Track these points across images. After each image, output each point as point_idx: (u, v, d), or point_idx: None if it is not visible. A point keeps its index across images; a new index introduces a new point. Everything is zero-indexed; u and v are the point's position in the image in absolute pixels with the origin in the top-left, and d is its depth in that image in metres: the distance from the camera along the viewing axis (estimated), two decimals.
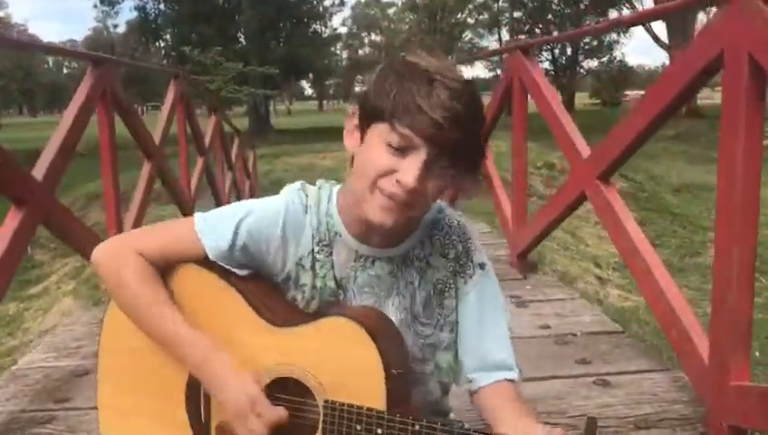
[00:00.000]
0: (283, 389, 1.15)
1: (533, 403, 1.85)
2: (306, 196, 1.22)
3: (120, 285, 1.18)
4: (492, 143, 4.10)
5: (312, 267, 1.20)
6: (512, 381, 1.22)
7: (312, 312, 1.21)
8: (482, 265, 1.23)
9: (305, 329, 1.14)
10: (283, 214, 1.18)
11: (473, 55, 41.51)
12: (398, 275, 1.21)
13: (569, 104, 28.54)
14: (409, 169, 1.04)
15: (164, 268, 1.20)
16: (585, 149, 2.43)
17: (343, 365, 1.10)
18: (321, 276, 1.20)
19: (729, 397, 1.54)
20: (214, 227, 1.18)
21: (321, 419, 1.10)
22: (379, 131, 1.07)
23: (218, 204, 5.63)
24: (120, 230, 3.07)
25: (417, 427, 1.05)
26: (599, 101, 38.20)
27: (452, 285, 1.22)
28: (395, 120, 1.05)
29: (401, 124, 1.04)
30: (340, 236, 1.20)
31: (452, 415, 1.35)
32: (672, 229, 6.76)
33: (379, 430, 1.07)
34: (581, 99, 34.64)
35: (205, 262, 1.18)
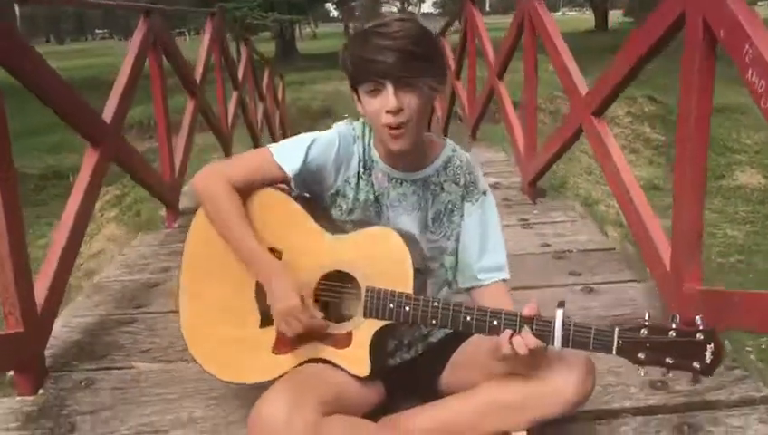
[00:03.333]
0: (335, 279, 1.54)
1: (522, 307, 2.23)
2: (354, 129, 1.61)
3: (212, 204, 1.56)
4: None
5: (357, 184, 1.59)
6: (503, 280, 1.62)
7: (358, 224, 1.59)
8: (485, 192, 1.63)
9: (354, 235, 1.53)
10: (337, 143, 1.57)
11: None
12: (419, 194, 1.60)
13: (602, 23, 27.83)
14: (388, 99, 1.40)
15: (247, 191, 1.57)
16: (583, 88, 2.72)
17: (381, 260, 1.49)
18: (363, 191, 1.59)
19: (682, 296, 1.90)
20: (288, 152, 1.55)
21: (364, 299, 1.49)
22: (361, 91, 1.47)
23: (252, 135, 5.99)
24: (171, 157, 3.48)
25: (436, 304, 1.44)
26: (632, 19, 37.25)
27: (459, 206, 1.62)
28: (361, 79, 1.44)
29: (365, 79, 1.43)
30: (377, 163, 1.59)
31: None
32: None
33: (407, 308, 1.46)
34: (615, 17, 33.84)
35: (278, 187, 1.57)
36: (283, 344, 1.54)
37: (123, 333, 2.21)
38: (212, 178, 1.58)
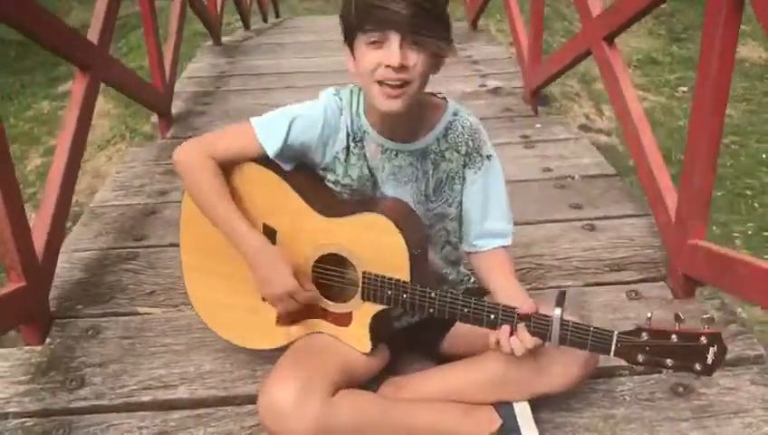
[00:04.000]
0: (328, 262, 1.52)
1: (528, 247, 2.24)
2: (341, 99, 1.51)
3: (193, 182, 1.51)
4: None
5: (347, 159, 1.52)
6: (505, 247, 1.60)
7: (351, 204, 1.55)
8: (489, 157, 1.56)
9: (348, 220, 1.48)
10: (323, 116, 1.49)
11: None
12: (416, 165, 1.54)
13: None
14: (391, 53, 1.30)
15: (230, 167, 1.52)
16: (596, 8, 2.58)
17: (377, 248, 1.46)
18: (356, 166, 1.53)
19: (685, 251, 1.90)
20: (270, 130, 1.48)
21: (361, 284, 1.48)
22: (359, 42, 1.35)
23: (243, 18, 5.72)
24: (161, 63, 3.35)
25: (432, 294, 1.44)
26: None
27: (461, 174, 1.56)
28: (365, 26, 1.32)
29: (368, 25, 1.31)
30: (368, 133, 1.51)
31: (462, 266, 1.74)
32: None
33: (405, 295, 1.45)
34: None
35: (263, 161, 1.50)
36: (286, 317, 1.55)
37: (125, 271, 2.21)
38: (193, 155, 1.51)
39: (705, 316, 1.28)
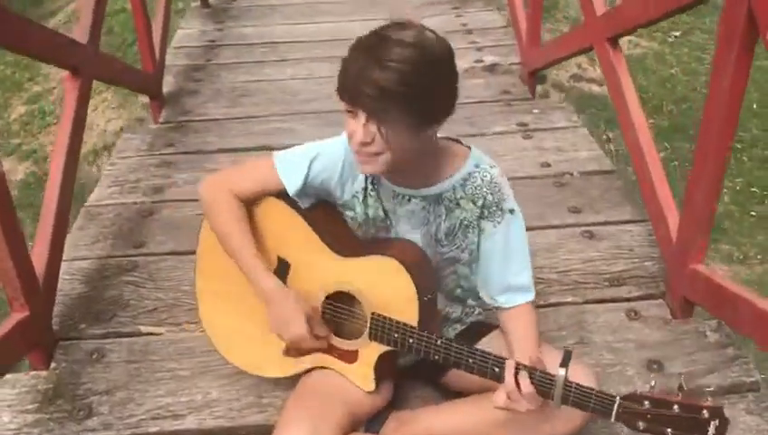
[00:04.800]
0: (338, 299, 1.55)
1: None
2: None
3: (217, 219, 1.55)
4: None
5: (365, 199, 1.54)
6: (529, 302, 1.58)
7: (366, 244, 1.57)
8: (511, 211, 1.54)
9: (361, 261, 1.50)
10: (343, 157, 1.49)
11: None
12: (428, 210, 1.54)
13: None
14: (356, 130, 1.30)
15: (252, 202, 1.56)
16: (600, 7, 2.51)
17: (388, 291, 1.48)
18: (373, 207, 1.54)
19: (686, 276, 1.92)
20: (291, 168, 1.50)
21: (369, 324, 1.50)
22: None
23: None
24: (152, 47, 3.26)
25: (438, 342, 1.45)
26: None
27: (476, 225, 1.54)
28: (340, 94, 1.31)
29: (343, 99, 1.31)
30: (380, 178, 1.51)
31: (471, 302, 1.74)
32: None
33: (411, 340, 1.47)
34: None
35: (283, 196, 1.54)
36: (294, 351, 1.58)
37: (126, 284, 2.20)
38: (217, 192, 1.55)
39: (708, 389, 1.30)
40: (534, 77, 3.43)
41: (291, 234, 1.57)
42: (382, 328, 1.49)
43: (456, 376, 1.66)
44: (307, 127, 3.12)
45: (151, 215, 2.56)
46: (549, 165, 2.78)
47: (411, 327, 1.46)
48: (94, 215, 2.57)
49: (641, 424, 1.30)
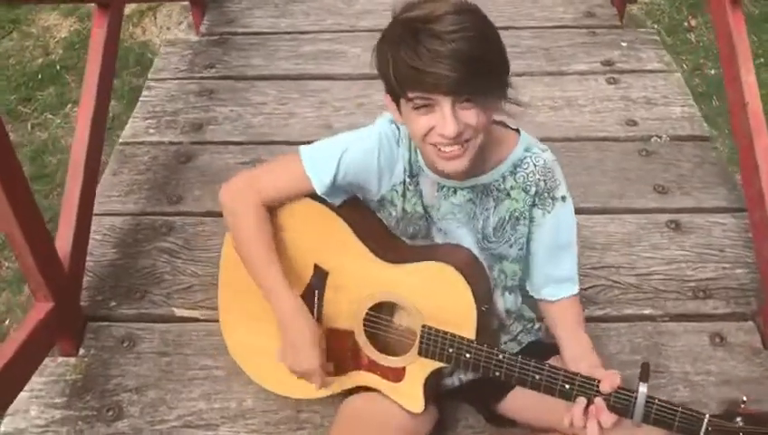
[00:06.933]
0: (385, 309, 1.39)
1: (603, 253, 2.00)
2: (398, 129, 1.34)
3: (237, 228, 1.39)
4: None
5: (404, 194, 1.37)
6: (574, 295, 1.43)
7: (412, 248, 1.41)
8: (563, 198, 1.38)
9: (410, 267, 1.34)
10: (378, 147, 1.33)
11: None
12: (476, 202, 1.37)
13: None
14: (444, 122, 1.13)
15: (279, 204, 1.38)
16: None
17: (442, 301, 1.32)
18: (411, 202, 1.37)
19: None
20: (319, 165, 1.34)
21: (420, 338, 1.34)
22: (403, 103, 1.17)
23: None
24: None
25: (500, 357, 1.30)
26: None
27: (527, 215, 1.37)
28: (406, 91, 1.14)
29: (412, 91, 1.13)
30: (423, 170, 1.35)
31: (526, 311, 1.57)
32: None
33: (468, 355, 1.32)
34: None
35: (315, 195, 1.36)
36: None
37: (159, 253, 2.04)
38: (240, 200, 1.37)
39: None
40: (623, 3, 2.97)
41: (328, 237, 1.39)
42: (435, 342, 1.33)
43: (515, 404, 1.51)
44: (361, 51, 2.78)
45: (189, 160, 2.34)
46: (635, 123, 2.44)
47: (468, 341, 1.31)
48: (129, 156, 2.37)
49: None
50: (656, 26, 3.33)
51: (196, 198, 2.21)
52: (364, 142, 1.34)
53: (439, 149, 1.19)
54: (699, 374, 1.73)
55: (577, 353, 1.35)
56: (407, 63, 1.10)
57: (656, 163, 2.29)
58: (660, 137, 2.39)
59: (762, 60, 3.33)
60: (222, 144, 2.41)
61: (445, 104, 1.12)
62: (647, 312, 1.86)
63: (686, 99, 2.56)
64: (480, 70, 1.10)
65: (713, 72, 3.27)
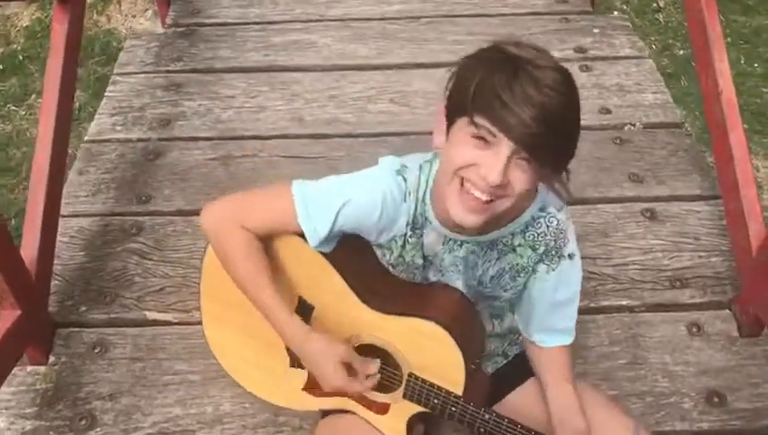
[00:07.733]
0: (368, 350, 1.33)
1: (582, 243, 1.94)
2: (405, 181, 1.24)
3: (224, 254, 1.30)
4: None
5: (403, 245, 1.30)
6: (566, 345, 1.39)
7: (403, 296, 1.34)
8: (570, 256, 1.31)
9: (400, 320, 1.29)
10: (381, 204, 1.23)
11: None
12: (479, 254, 1.31)
13: None
14: (493, 164, 1.04)
15: (265, 238, 1.29)
16: None
17: (430, 357, 1.29)
18: (410, 254, 1.31)
19: (764, 296, 1.68)
20: (315, 215, 1.24)
21: (404, 385, 1.32)
22: (462, 125, 1.06)
23: None
24: None
25: (486, 416, 1.28)
26: None
27: (531, 269, 1.31)
28: (476, 113, 1.03)
29: (482, 117, 1.02)
30: (431, 223, 1.26)
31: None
32: None
33: (453, 409, 1.30)
34: None
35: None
36: (316, 388, 1.39)
37: (130, 254, 1.99)
38: (223, 225, 1.27)
39: None
40: None
41: (315, 276, 1.33)
42: (420, 391, 1.32)
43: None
44: (332, 41, 2.74)
45: (157, 158, 2.29)
46: (609, 111, 2.43)
47: (455, 396, 1.29)
48: (95, 154, 2.30)
49: None
50: (625, 7, 3.32)
51: (166, 197, 2.16)
52: (367, 195, 1.23)
53: (465, 189, 1.08)
54: (678, 365, 1.73)
55: (563, 403, 1.31)
56: (495, 90, 1.00)
57: (630, 151, 2.29)
58: (634, 125, 2.39)
59: (729, 39, 3.33)
60: (191, 140, 2.35)
61: (504, 148, 1.02)
62: (624, 303, 1.86)
63: (659, 85, 2.55)
64: (556, 133, 1.02)
65: (681, 52, 3.27)
